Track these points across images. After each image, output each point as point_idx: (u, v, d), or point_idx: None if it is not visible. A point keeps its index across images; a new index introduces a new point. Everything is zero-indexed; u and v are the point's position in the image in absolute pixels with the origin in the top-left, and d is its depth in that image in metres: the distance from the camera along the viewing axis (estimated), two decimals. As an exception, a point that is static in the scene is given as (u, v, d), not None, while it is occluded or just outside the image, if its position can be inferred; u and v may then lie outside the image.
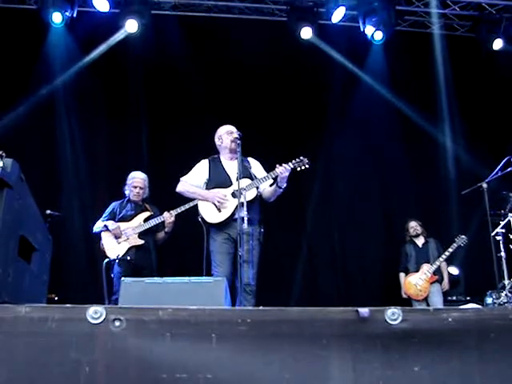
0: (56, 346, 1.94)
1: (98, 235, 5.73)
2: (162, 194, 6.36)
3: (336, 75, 8.17)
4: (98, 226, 5.78)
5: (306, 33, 7.95)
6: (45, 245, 3.04)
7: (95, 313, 1.97)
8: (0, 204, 2.11)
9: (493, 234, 6.04)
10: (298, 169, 4.85)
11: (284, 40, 8.03)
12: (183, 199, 5.38)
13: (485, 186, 6.08)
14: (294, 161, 4.85)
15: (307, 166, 4.86)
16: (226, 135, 5.18)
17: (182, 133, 7.74)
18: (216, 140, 5.29)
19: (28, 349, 1.93)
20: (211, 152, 5.30)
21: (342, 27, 8.24)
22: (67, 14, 7.46)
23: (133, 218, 5.82)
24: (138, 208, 5.92)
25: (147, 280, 3.43)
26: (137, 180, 5.96)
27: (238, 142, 4.77)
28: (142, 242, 5.71)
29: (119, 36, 7.83)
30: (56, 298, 6.02)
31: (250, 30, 7.95)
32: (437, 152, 8.27)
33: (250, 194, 4.80)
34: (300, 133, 8.20)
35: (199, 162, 5.24)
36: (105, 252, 5.62)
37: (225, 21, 8.20)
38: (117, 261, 5.49)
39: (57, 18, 7.39)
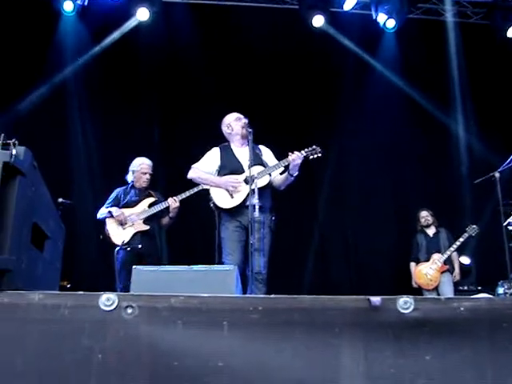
0: (69, 333, 1.95)
1: (103, 221, 5.75)
2: (173, 181, 6.38)
3: (348, 63, 8.13)
4: (101, 213, 5.78)
5: (318, 21, 7.92)
6: (57, 232, 3.05)
7: (107, 300, 1.97)
8: (13, 192, 2.12)
9: (505, 223, 6.01)
10: (311, 157, 4.85)
11: (295, 28, 7.99)
12: (193, 185, 5.40)
13: (497, 175, 6.03)
14: (306, 149, 4.85)
15: (320, 155, 4.85)
16: (235, 122, 5.17)
17: (193, 120, 7.76)
18: (225, 128, 5.25)
19: (41, 335, 1.94)
20: (222, 139, 5.29)
21: (354, 15, 8.20)
22: (78, 2, 7.52)
23: (137, 203, 5.82)
24: (142, 194, 5.92)
25: (159, 268, 3.44)
26: (146, 166, 5.96)
27: (250, 130, 4.76)
28: (147, 227, 5.72)
29: (130, 24, 7.84)
30: (68, 286, 6.07)
31: (260, 17, 7.92)
32: (449, 141, 8.23)
33: (262, 181, 4.79)
34: (311, 122, 8.17)
35: (210, 149, 5.24)
36: (110, 238, 5.63)
37: (236, 8, 8.17)
38: (128, 248, 5.50)
39: (68, 6, 7.45)
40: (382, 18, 7.88)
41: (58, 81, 7.57)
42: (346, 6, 8.02)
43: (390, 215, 8.23)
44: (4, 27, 7.39)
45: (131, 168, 5.99)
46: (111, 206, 5.77)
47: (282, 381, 1.96)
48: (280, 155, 5.05)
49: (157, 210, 5.73)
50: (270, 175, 4.95)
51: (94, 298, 1.99)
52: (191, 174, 5.16)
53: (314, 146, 4.86)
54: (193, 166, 5.18)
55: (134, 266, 3.40)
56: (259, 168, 4.83)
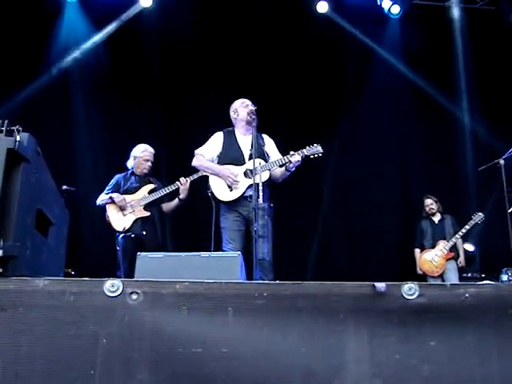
0: (74, 319, 1.96)
1: (103, 208, 5.74)
2: (176, 167, 6.39)
3: (352, 50, 8.08)
4: (102, 199, 5.74)
5: (322, 7, 7.87)
6: (62, 219, 3.05)
7: (112, 286, 1.98)
8: (17, 178, 2.11)
9: (509, 210, 5.99)
10: (312, 156, 4.87)
11: (300, 14, 7.93)
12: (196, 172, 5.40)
13: (502, 162, 6.02)
14: (308, 147, 4.87)
15: (320, 155, 4.88)
16: (241, 108, 5.13)
17: (197, 106, 7.72)
18: (231, 113, 5.24)
19: (46, 321, 1.95)
20: (227, 125, 5.26)
21: (358, 1, 8.12)
22: (81, -11, 7.47)
23: (137, 190, 5.79)
24: (142, 180, 5.88)
25: (163, 254, 3.44)
26: (148, 153, 5.93)
27: (254, 116, 4.72)
28: (148, 213, 5.70)
29: (134, 10, 7.81)
30: (73, 273, 6.08)
31: (265, 3, 7.86)
32: (454, 128, 8.19)
33: (264, 176, 4.78)
34: (316, 110, 8.12)
35: (214, 134, 5.22)
36: (111, 224, 5.63)
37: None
38: (132, 235, 5.49)
39: (71, -7, 7.42)
40: (386, 3, 7.83)
41: (62, 68, 7.55)
42: (351, -9, 7.97)
43: (394, 202, 8.21)
44: (8, 15, 7.37)
45: (133, 154, 5.96)
46: (111, 192, 5.75)
47: (287, 366, 1.97)
48: (284, 144, 5.04)
49: (157, 196, 5.71)
50: (270, 169, 4.95)
51: (98, 284, 1.99)
52: (194, 162, 5.16)
53: (315, 145, 4.88)
54: (196, 151, 5.16)
55: (138, 253, 3.40)
56: (260, 161, 4.80)
